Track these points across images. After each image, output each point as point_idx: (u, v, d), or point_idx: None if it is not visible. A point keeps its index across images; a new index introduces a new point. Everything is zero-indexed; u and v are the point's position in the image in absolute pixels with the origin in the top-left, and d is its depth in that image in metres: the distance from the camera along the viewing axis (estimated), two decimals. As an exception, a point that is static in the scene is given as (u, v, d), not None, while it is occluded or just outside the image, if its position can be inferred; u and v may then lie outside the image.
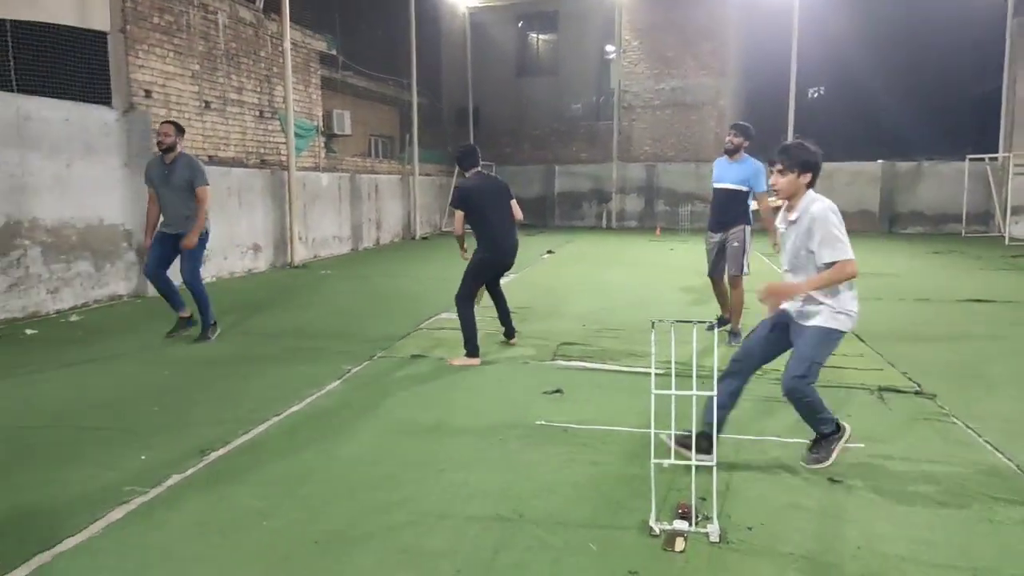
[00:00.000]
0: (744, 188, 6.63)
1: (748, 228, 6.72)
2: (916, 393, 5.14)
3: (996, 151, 19.62)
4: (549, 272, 12.20)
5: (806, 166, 3.64)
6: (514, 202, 6.51)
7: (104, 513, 3.27)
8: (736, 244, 6.67)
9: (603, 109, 23.91)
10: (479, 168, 6.34)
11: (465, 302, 6.15)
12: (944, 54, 23.05)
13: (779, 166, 3.67)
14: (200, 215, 6.60)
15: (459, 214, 6.16)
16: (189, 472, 3.75)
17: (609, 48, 23.74)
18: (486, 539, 3.03)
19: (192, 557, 2.92)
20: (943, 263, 13.44)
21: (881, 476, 3.69)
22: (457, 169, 6.53)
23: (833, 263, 3.57)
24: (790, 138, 20.63)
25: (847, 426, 3.86)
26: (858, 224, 21.18)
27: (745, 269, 6.72)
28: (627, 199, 23.09)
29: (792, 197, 3.73)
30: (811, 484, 3.58)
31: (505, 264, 6.43)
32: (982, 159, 19.51)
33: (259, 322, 7.81)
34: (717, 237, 6.85)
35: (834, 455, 3.76)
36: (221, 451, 4.05)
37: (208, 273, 10.56)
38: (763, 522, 3.17)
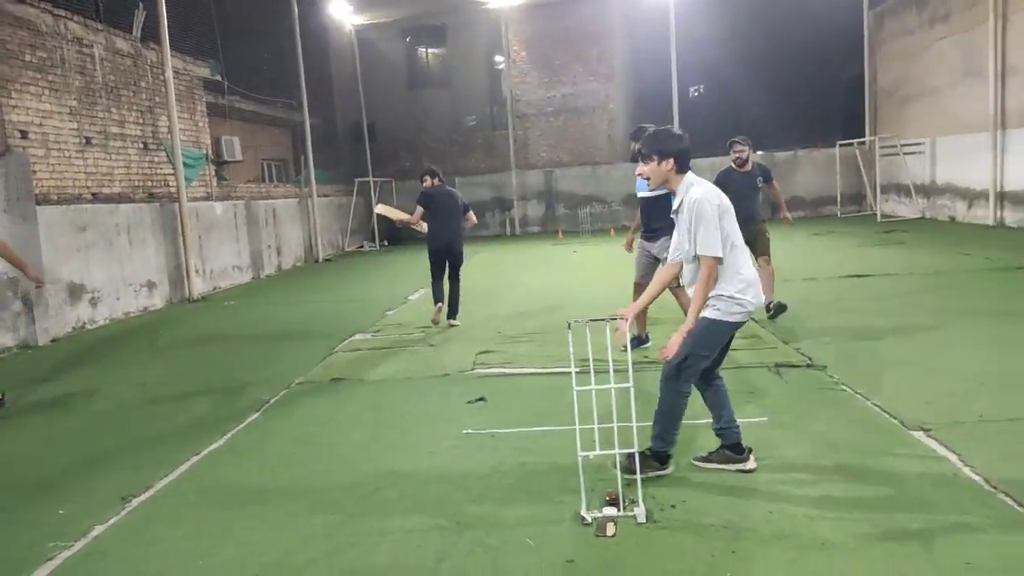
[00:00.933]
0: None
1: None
2: (808, 366, 5.57)
3: (863, 136, 21.20)
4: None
5: (663, 153, 3.55)
6: (471, 213, 8.65)
7: (30, 573, 3.15)
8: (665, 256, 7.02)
9: (498, 119, 24.26)
10: (437, 180, 8.56)
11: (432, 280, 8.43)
12: (809, 46, 24.67)
13: (643, 155, 3.67)
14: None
15: (419, 210, 8.50)
16: (112, 520, 3.65)
17: (498, 58, 24.13)
18: (428, 550, 3.11)
19: (130, 605, 2.87)
20: (824, 243, 14.42)
21: (784, 445, 4.01)
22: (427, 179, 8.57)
23: (701, 257, 3.48)
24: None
25: (751, 462, 3.68)
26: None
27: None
28: (528, 205, 23.50)
29: (667, 184, 3.68)
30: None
31: (444, 252, 8.33)
32: (851, 144, 21.02)
33: (163, 361, 7.55)
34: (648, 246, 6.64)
35: (717, 466, 3.70)
36: (143, 496, 3.94)
37: (100, 316, 10.10)
38: (684, 499, 3.41)
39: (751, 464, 3.70)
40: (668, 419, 3.66)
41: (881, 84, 20.79)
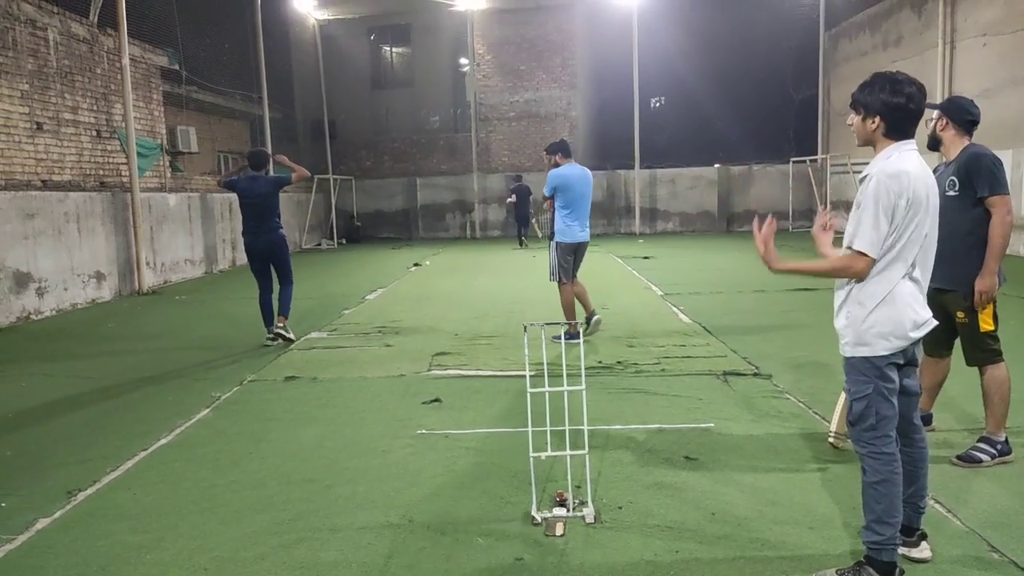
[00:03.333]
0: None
1: (553, 242, 7.27)
2: (755, 375, 5.75)
3: (816, 154, 21.83)
4: (417, 285, 12.30)
5: (869, 108, 2.75)
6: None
7: (-34, 567, 3.09)
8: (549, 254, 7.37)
9: (460, 121, 24.29)
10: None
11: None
12: (768, 64, 25.34)
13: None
14: None
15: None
16: (57, 514, 3.59)
17: (463, 61, 24.17)
18: (379, 546, 3.15)
19: (74, 599, 2.84)
20: (775, 257, 14.78)
21: (729, 451, 4.14)
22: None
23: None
24: (636, 146, 21.90)
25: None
26: (700, 224, 22.86)
27: (552, 277, 7.33)
28: (489, 209, 23.57)
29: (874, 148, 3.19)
30: (671, 464, 3.97)
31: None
32: (804, 161, 21.63)
33: (112, 355, 7.40)
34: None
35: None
36: (89, 490, 3.89)
37: (47, 306, 9.84)
38: (631, 500, 3.50)
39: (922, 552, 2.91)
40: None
41: (834, 104, 21.45)
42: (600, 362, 6.24)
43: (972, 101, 3.92)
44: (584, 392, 3.49)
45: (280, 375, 6.25)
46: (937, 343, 4.04)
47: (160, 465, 4.25)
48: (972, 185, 3.75)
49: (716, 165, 22.99)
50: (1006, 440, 3.89)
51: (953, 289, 3.84)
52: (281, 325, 7.48)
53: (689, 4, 24.05)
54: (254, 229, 7.55)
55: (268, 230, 7.53)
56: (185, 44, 15.14)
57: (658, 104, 29.20)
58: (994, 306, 3.81)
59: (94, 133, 11.40)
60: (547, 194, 7.23)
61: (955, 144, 3.87)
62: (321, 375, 6.20)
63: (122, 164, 12.01)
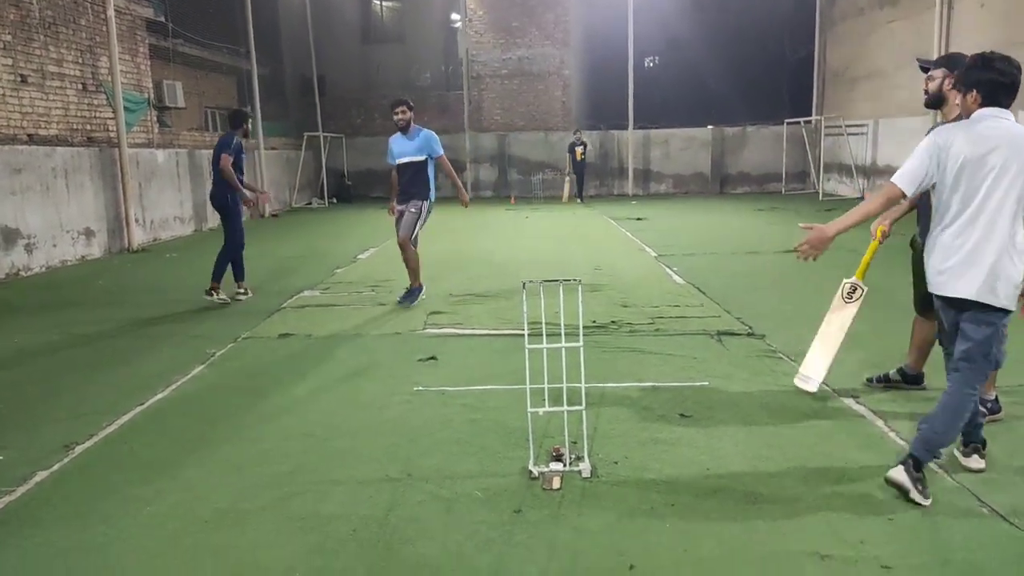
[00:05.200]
0: (422, 158, 7.16)
1: (427, 202, 7.23)
2: (748, 335, 5.79)
3: (810, 115, 21.68)
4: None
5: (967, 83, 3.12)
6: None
7: (-33, 518, 3.11)
8: (413, 211, 7.16)
9: (452, 79, 23.92)
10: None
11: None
12: (763, 23, 24.98)
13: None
14: None
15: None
16: (56, 467, 3.60)
17: (455, 16, 23.72)
18: (379, 499, 3.18)
19: (76, 548, 2.86)
20: (768, 219, 14.82)
21: (723, 408, 4.19)
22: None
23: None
24: (630, 106, 21.67)
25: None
26: (693, 185, 22.78)
27: (412, 237, 7.27)
28: (481, 169, 23.37)
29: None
30: (666, 420, 4.01)
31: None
32: (798, 122, 21.49)
33: (104, 311, 7.35)
34: (401, 207, 7.25)
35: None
36: (87, 444, 3.90)
37: (36, 263, 9.75)
38: (627, 456, 3.55)
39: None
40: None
41: (830, 64, 21.24)
42: (594, 322, 6.26)
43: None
44: (582, 349, 3.51)
45: (274, 332, 6.24)
46: (922, 301, 4.09)
47: (157, 419, 4.26)
48: None
49: (710, 126, 22.82)
50: (996, 399, 3.95)
51: None
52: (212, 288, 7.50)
53: (685, -39, 23.61)
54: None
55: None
56: (171, -5, 14.76)
57: (652, 64, 28.82)
58: None
59: (80, 86, 11.17)
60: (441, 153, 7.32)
61: (954, 100, 3.74)
62: (316, 332, 6.19)
63: (109, 119, 11.80)
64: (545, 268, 9.25)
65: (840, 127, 19.54)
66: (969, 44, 14.23)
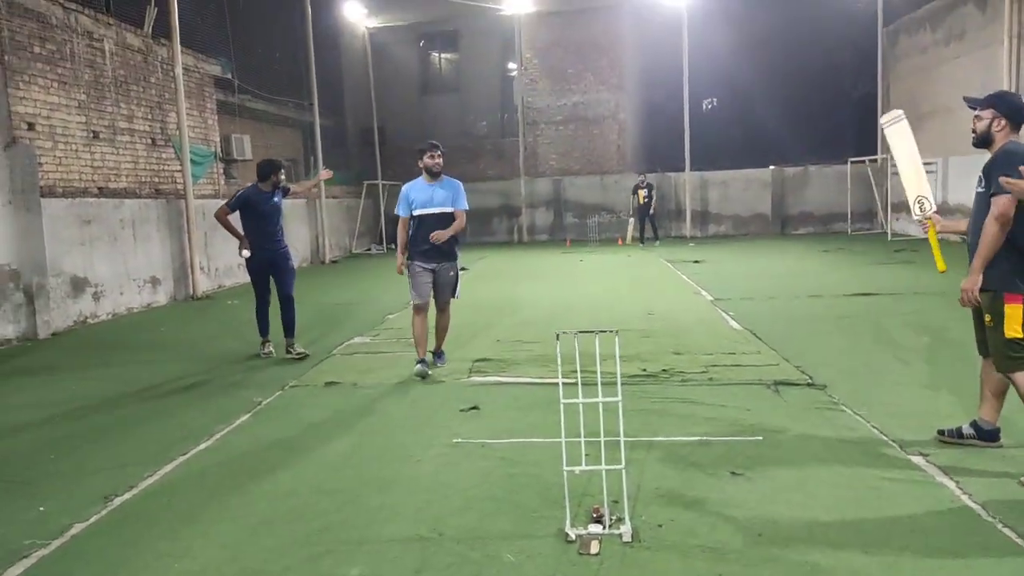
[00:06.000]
0: (452, 209, 6.28)
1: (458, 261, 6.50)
2: (808, 385, 5.47)
3: (875, 153, 21.05)
4: (462, 289, 12.22)
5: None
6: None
7: (3, 571, 3.10)
8: (452, 275, 6.38)
9: (508, 126, 24.24)
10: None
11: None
12: (823, 62, 24.56)
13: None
14: None
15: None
16: (92, 520, 3.60)
17: (511, 65, 24.14)
18: (406, 560, 3.05)
19: (99, 608, 2.81)
20: (832, 260, 14.30)
21: (778, 466, 3.92)
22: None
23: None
24: (687, 148, 21.48)
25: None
26: (753, 227, 22.28)
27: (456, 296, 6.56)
28: (536, 213, 23.45)
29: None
30: (715, 478, 3.77)
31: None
32: (863, 161, 20.88)
33: (162, 360, 7.51)
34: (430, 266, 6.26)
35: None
36: (126, 496, 3.90)
37: (103, 310, 10.10)
38: (672, 518, 3.32)
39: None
40: None
41: (894, 101, 20.63)
42: (644, 370, 6.05)
43: (1019, 95, 3.85)
44: (620, 403, 3.33)
45: (321, 380, 6.24)
46: (983, 343, 3.94)
47: (198, 471, 4.25)
48: (989, 181, 3.68)
49: (770, 167, 22.39)
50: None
51: (985, 288, 3.78)
52: (292, 344, 7.25)
53: (741, 2, 23.52)
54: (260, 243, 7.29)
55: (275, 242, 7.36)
56: (238, 54, 15.46)
57: (710, 105, 28.64)
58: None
59: (149, 141, 11.69)
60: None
61: (1001, 141, 3.78)
62: (361, 381, 6.16)
63: (176, 171, 12.29)
64: (596, 313, 9.08)
65: (907, 165, 18.87)
66: (1043, 77, 13.62)
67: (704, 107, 27.58)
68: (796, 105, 24.63)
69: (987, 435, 4.01)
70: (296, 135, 20.28)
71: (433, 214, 6.16)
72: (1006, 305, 3.68)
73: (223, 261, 13.60)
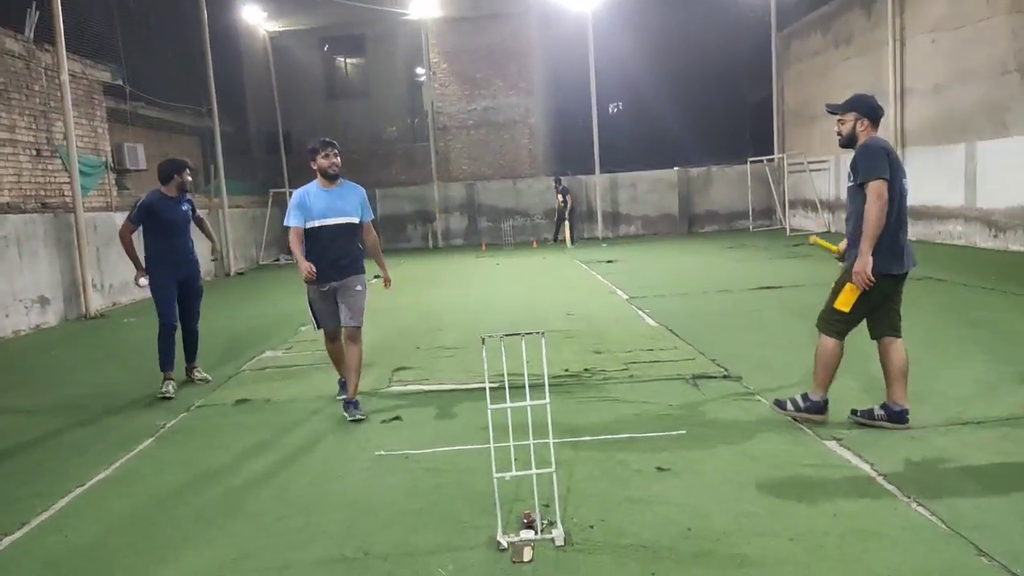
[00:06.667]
0: (357, 219, 5.31)
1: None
2: (724, 377, 5.60)
3: (773, 153, 22.02)
4: (378, 296, 11.95)
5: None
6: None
7: None
8: (360, 289, 5.30)
9: (419, 130, 24.03)
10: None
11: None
12: (722, 67, 25.56)
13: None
14: None
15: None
16: (-23, 565, 3.26)
17: (419, 70, 23.93)
18: (332, 583, 2.89)
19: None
20: (737, 256, 14.82)
21: (703, 459, 3.97)
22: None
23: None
24: (596, 151, 21.85)
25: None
26: (662, 226, 22.90)
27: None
28: (451, 218, 23.32)
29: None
30: (642, 476, 3.78)
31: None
32: (761, 161, 21.80)
33: (55, 385, 6.98)
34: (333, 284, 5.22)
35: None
36: (16, 534, 3.56)
37: (-13, 334, 9.32)
38: (603, 519, 3.30)
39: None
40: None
41: (788, 103, 21.67)
42: (566, 370, 6.05)
43: (873, 96, 4.41)
44: (548, 406, 3.28)
45: (231, 398, 5.93)
46: (875, 325, 4.29)
47: (96, 503, 3.93)
48: (855, 172, 4.11)
49: (675, 168, 23.07)
50: (824, 401, 4.35)
51: (846, 261, 4.26)
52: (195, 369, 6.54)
53: (643, 9, 24.17)
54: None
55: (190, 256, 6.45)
56: (130, 59, 14.67)
57: (616, 109, 29.27)
58: (862, 296, 4.07)
59: (33, 152, 10.90)
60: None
61: (864, 138, 4.23)
62: (275, 396, 5.90)
63: (64, 183, 11.51)
64: (516, 315, 9.06)
65: (802, 164, 19.83)
66: (922, 80, 14.57)
67: (610, 110, 28.17)
68: (698, 108, 25.52)
69: (896, 416, 4.20)
70: (195, 143, 19.45)
71: (339, 225, 5.14)
72: (848, 284, 4.09)
73: (118, 277, 12.82)
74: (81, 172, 11.56)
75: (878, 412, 4.26)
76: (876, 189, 3.94)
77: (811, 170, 19.46)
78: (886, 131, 15.48)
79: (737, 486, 3.59)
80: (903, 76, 15.17)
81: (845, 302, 4.12)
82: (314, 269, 5.00)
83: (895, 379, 4.20)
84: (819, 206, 19.21)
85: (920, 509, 3.21)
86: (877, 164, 3.97)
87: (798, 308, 8.35)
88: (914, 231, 14.96)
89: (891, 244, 4.04)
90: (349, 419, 5.02)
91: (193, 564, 3.14)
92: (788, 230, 19.87)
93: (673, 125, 25.21)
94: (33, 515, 3.77)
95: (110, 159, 13.23)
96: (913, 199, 16.04)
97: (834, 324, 4.25)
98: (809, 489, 3.50)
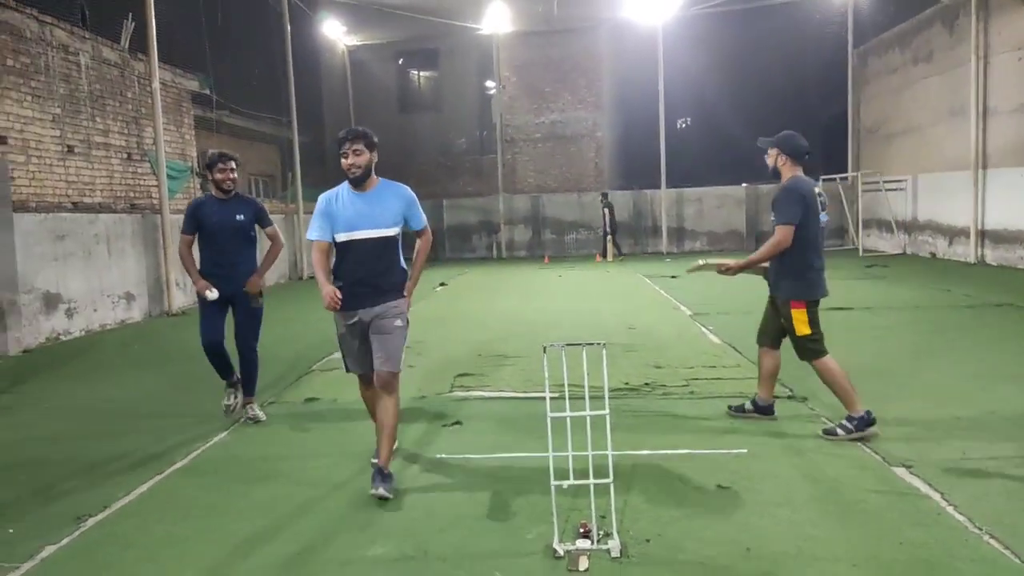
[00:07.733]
0: (395, 231, 4.21)
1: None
2: (789, 397, 5.50)
3: (846, 172, 21.42)
4: (442, 304, 12.20)
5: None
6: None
7: (-33, 596, 2.99)
8: (399, 324, 4.10)
9: (487, 143, 24.33)
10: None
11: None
12: (795, 83, 24.99)
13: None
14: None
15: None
16: (64, 542, 3.48)
17: (489, 84, 24.26)
18: (392, 579, 2.98)
19: (73, 633, 2.71)
20: (808, 276, 14.40)
21: (764, 479, 3.91)
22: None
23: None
24: (663, 166, 21.67)
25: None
26: (728, 243, 22.52)
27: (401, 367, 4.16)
28: (515, 230, 23.50)
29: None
30: (701, 492, 3.76)
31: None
32: (834, 179, 21.23)
33: (136, 377, 7.37)
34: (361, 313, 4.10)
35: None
36: (99, 516, 3.78)
37: (76, 327, 9.90)
38: (660, 533, 3.30)
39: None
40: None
41: (864, 121, 21.07)
42: (627, 384, 6.04)
43: (800, 135, 4.76)
44: (608, 416, 3.31)
45: (300, 397, 6.15)
46: (766, 335, 4.98)
47: (172, 490, 4.15)
48: (773, 211, 4.64)
49: (743, 184, 22.68)
50: (867, 414, 4.45)
51: (779, 296, 4.80)
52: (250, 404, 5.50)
53: (715, 24, 23.87)
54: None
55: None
56: (217, 69, 15.37)
57: (684, 124, 28.98)
58: (810, 314, 4.65)
59: (125, 155, 11.54)
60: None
61: (787, 175, 4.72)
62: (342, 397, 6.08)
63: (152, 186, 12.14)
64: (577, 327, 9.07)
65: (878, 183, 19.23)
66: (1005, 99, 13.97)
67: (679, 125, 27.90)
68: (768, 124, 24.87)
69: (763, 410, 4.92)
70: (274, 151, 20.17)
71: (365, 240, 4.04)
72: (792, 311, 4.61)
73: (199, 277, 13.40)
74: (168, 176, 12.18)
75: (748, 406, 4.99)
76: (781, 232, 4.53)
77: (887, 189, 18.85)
78: (966, 152, 14.91)
79: (798, 508, 3.53)
80: (986, 95, 14.58)
81: (802, 327, 4.61)
82: (339, 295, 3.93)
83: (766, 380, 4.93)
84: (895, 226, 18.58)
85: (992, 542, 3.10)
86: (791, 209, 4.51)
87: (869, 330, 8.12)
88: (994, 255, 14.44)
89: (806, 271, 4.61)
90: (371, 492, 3.80)
91: (264, 554, 3.27)
92: (861, 250, 19.27)
93: (743, 141, 24.72)
94: (114, 499, 4.00)
95: (196, 164, 13.87)
96: (993, 223, 15.42)
97: (812, 347, 4.64)
98: (874, 515, 3.42)
